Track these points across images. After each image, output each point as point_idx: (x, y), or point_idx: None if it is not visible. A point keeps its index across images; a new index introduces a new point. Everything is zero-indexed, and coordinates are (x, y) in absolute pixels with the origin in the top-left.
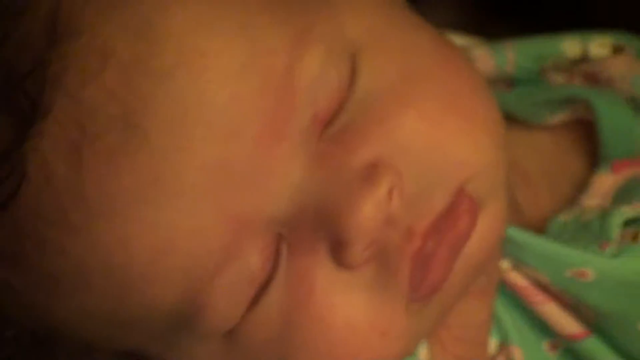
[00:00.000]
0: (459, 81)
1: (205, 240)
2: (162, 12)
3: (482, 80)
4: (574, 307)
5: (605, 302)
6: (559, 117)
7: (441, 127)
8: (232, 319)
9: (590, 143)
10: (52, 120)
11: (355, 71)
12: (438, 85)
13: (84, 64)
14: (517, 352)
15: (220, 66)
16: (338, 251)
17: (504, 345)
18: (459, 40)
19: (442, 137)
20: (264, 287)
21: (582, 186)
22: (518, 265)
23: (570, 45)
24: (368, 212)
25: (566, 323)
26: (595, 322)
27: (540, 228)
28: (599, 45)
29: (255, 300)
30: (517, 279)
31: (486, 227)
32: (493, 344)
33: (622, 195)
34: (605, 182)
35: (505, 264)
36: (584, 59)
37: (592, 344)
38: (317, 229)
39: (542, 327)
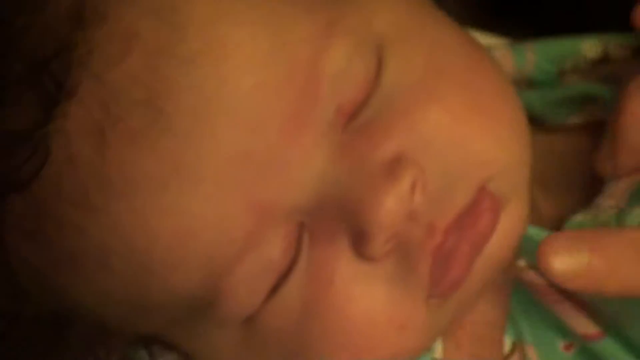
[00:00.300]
0: (484, 79)
1: (227, 228)
2: None
3: (507, 80)
4: (590, 307)
5: (621, 303)
6: (577, 117)
7: (465, 124)
8: (251, 307)
9: None
10: (76, 101)
11: (382, 65)
12: (463, 82)
13: (109, 48)
14: (532, 351)
15: (245, 54)
16: (359, 243)
17: (518, 344)
18: (482, 39)
19: (466, 134)
20: (284, 275)
21: (598, 186)
22: (534, 264)
23: (590, 46)
24: (391, 206)
25: (582, 323)
26: (610, 323)
27: (557, 228)
28: (619, 47)
29: (275, 289)
30: (533, 278)
31: (508, 226)
32: (507, 342)
33: (638, 196)
34: (621, 183)
35: (521, 263)
36: (604, 59)
37: (608, 345)
38: (339, 219)
39: (558, 327)
